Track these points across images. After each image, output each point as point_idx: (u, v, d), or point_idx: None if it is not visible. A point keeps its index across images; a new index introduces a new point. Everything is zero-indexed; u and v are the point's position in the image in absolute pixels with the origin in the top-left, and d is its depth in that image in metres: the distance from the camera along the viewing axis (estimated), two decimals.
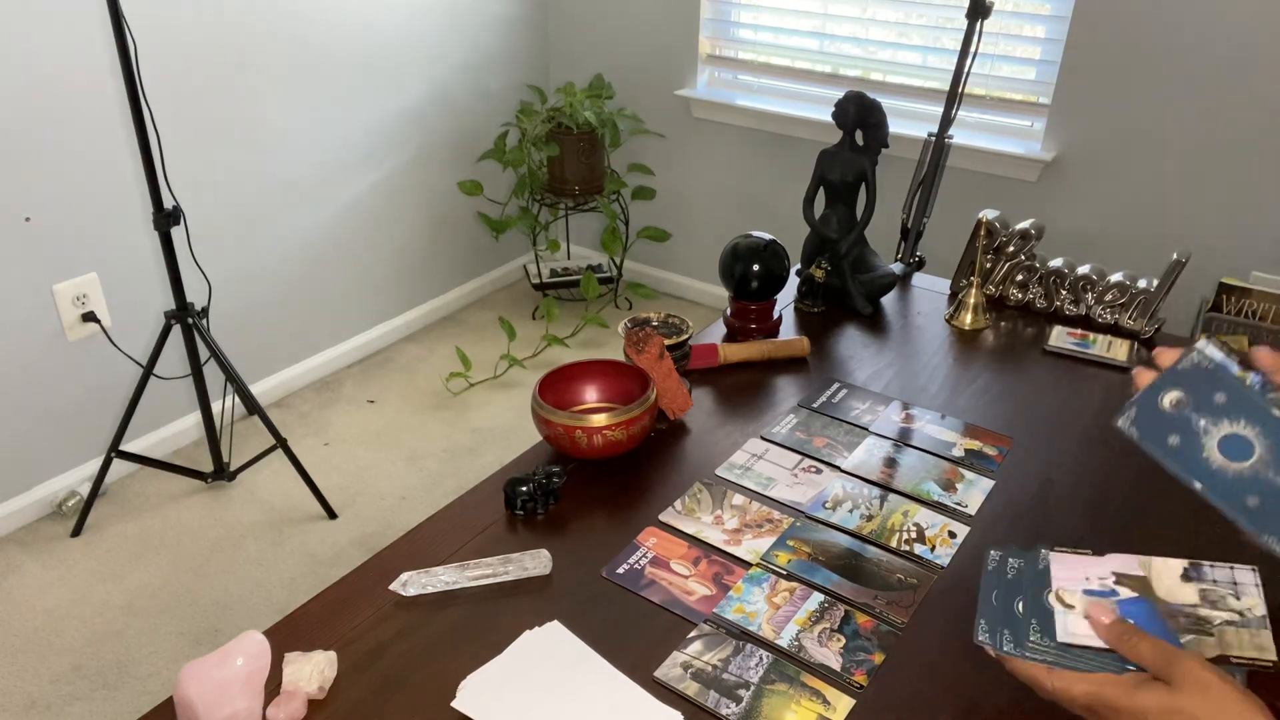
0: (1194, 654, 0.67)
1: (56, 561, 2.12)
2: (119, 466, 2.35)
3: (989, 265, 1.59)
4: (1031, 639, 0.71)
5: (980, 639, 0.74)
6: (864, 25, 2.71)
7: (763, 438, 1.23)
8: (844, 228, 1.54)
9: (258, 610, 2.00)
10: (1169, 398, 0.74)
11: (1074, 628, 0.71)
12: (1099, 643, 0.70)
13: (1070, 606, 0.73)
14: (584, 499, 1.11)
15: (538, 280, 3.28)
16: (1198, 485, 0.72)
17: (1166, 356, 0.76)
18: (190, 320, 2.06)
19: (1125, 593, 0.73)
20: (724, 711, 0.83)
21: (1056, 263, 1.56)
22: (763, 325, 1.46)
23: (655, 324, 1.34)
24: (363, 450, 2.53)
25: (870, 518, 1.08)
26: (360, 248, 2.86)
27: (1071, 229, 2.55)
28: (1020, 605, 0.74)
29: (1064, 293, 1.55)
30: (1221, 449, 0.71)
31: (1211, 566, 0.74)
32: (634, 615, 0.94)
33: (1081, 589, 0.74)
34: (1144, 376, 0.76)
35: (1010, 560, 0.79)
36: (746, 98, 2.96)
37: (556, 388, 1.22)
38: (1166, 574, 0.74)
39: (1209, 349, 0.73)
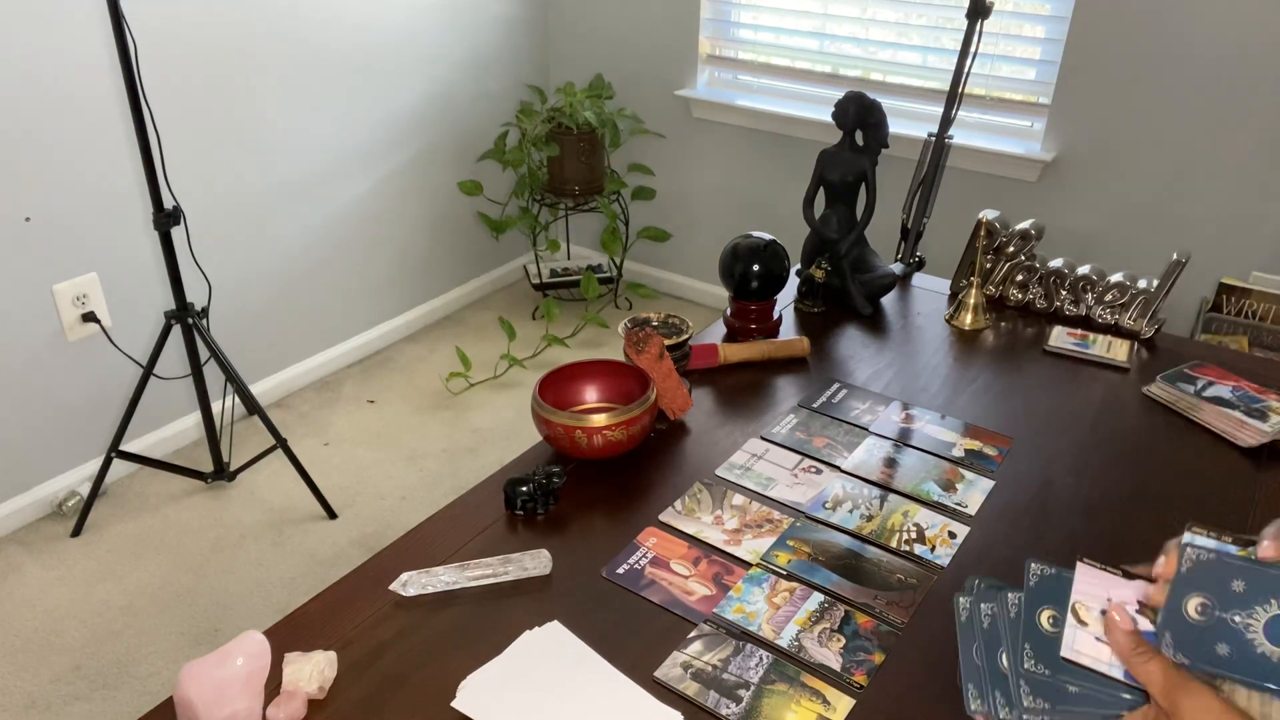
0: (1205, 682, 0.63)
1: (56, 561, 2.12)
2: (119, 466, 2.35)
3: (989, 265, 1.59)
4: (1026, 703, 0.68)
5: (972, 709, 0.70)
6: (864, 25, 2.71)
7: (763, 438, 1.23)
8: (844, 228, 1.55)
9: (258, 610, 2.00)
10: (1192, 605, 0.66)
11: (1081, 646, 0.69)
12: (1103, 666, 0.66)
13: (1084, 624, 0.70)
14: (584, 499, 1.11)
15: (538, 280, 3.28)
16: (1271, 686, 0.63)
17: (1165, 568, 0.68)
18: (190, 320, 2.06)
19: (1145, 624, 0.69)
20: (724, 711, 0.83)
21: (1056, 263, 1.56)
22: (763, 325, 1.46)
23: (655, 324, 1.34)
24: (363, 450, 2.53)
25: (870, 518, 1.08)
26: (360, 248, 2.86)
27: (1071, 229, 2.55)
28: (1004, 659, 0.71)
29: (1064, 293, 1.55)
30: (1271, 637, 0.64)
31: None
32: (634, 615, 0.94)
33: (1100, 608, 0.71)
34: (1157, 595, 0.69)
35: (983, 606, 0.75)
36: (746, 98, 2.96)
37: (556, 388, 1.22)
38: None
39: (1198, 540, 0.67)
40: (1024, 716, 0.68)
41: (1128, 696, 0.66)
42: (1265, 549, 0.65)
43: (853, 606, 0.95)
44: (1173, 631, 0.66)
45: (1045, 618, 0.71)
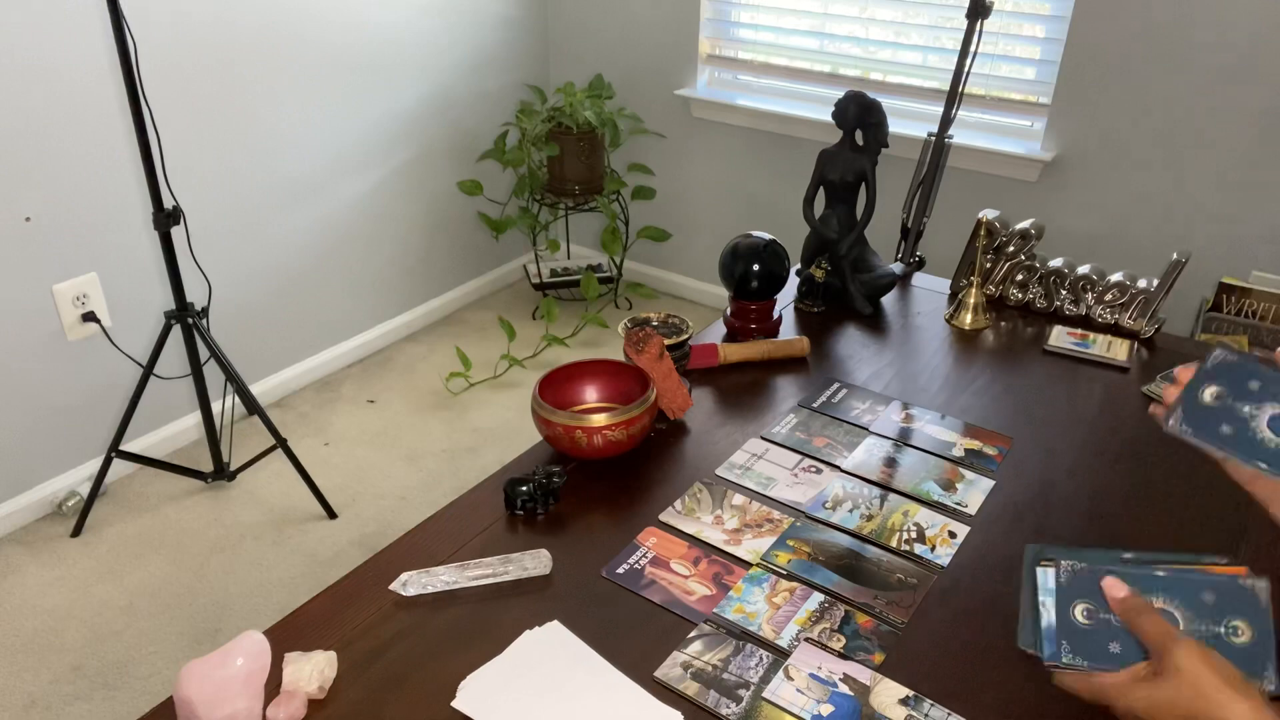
0: (1191, 642, 0.68)
1: (56, 561, 2.12)
2: (119, 466, 2.35)
3: (989, 265, 1.59)
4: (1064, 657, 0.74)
5: (1049, 659, 0.75)
6: (864, 25, 2.71)
7: (763, 438, 1.23)
8: (844, 228, 1.54)
9: (258, 610, 2.00)
10: (1209, 393, 0.79)
11: (783, 691, 0.85)
12: None
13: (791, 679, 0.86)
14: (584, 499, 1.11)
15: (538, 280, 3.28)
16: (1262, 465, 0.76)
17: (1183, 373, 0.81)
18: (190, 320, 2.06)
19: (844, 689, 0.85)
20: (724, 711, 0.83)
21: (1056, 263, 1.56)
22: (763, 325, 1.46)
23: (655, 324, 1.34)
24: (363, 450, 2.53)
25: (870, 518, 1.08)
26: (360, 247, 2.86)
27: (1071, 229, 2.55)
28: (1077, 611, 0.75)
29: (1064, 293, 1.55)
30: (1272, 428, 0.76)
31: (931, 705, 0.82)
32: (634, 615, 0.94)
33: (809, 673, 0.86)
34: (1170, 392, 0.81)
35: (1064, 563, 0.78)
36: (746, 98, 2.96)
37: (556, 388, 1.22)
38: (885, 693, 0.84)
39: (1225, 349, 0.79)
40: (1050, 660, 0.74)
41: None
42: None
43: (853, 606, 0.95)
44: (1186, 409, 0.79)
45: (1209, 394, 0.80)
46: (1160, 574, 0.74)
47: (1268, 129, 2.21)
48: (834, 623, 0.93)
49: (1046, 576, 0.76)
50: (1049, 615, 0.75)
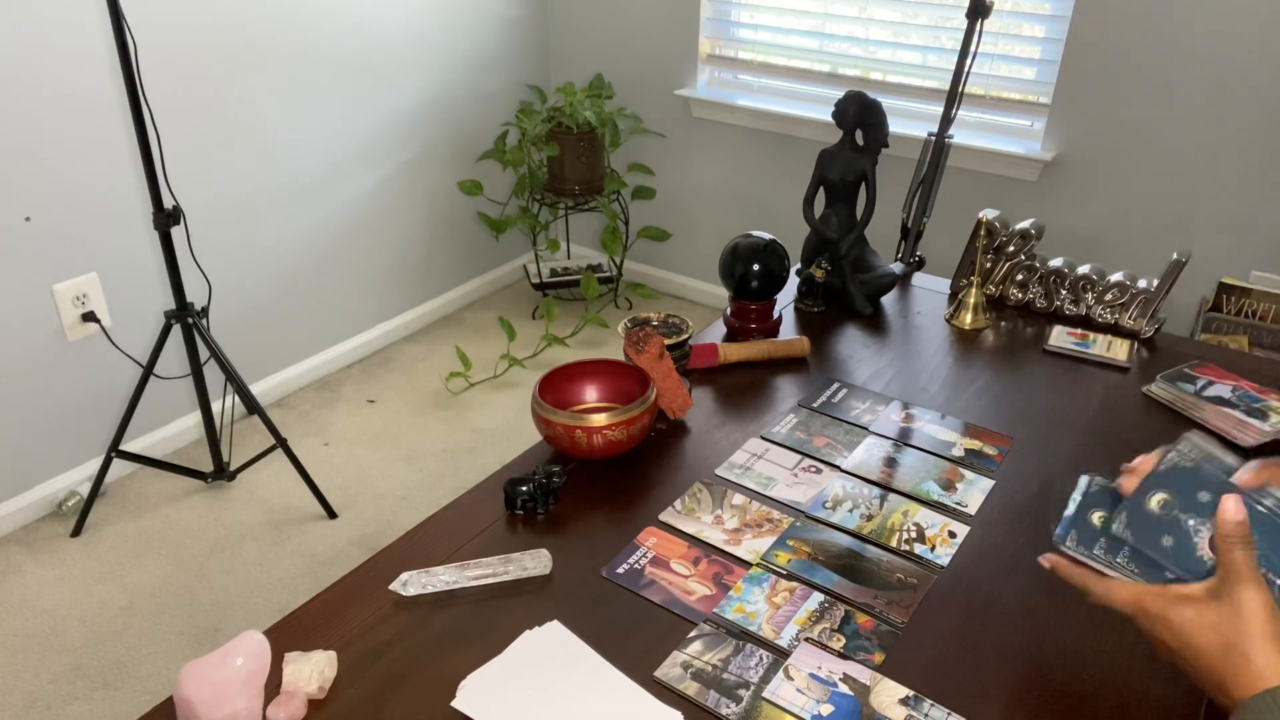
0: (1265, 588, 0.69)
1: (56, 561, 2.12)
2: (119, 466, 2.35)
3: (989, 265, 1.59)
4: (1095, 552, 0.80)
5: (1057, 538, 0.82)
6: (863, 25, 2.71)
7: (763, 437, 1.23)
8: (844, 228, 1.54)
9: (258, 610, 2.00)
10: (1155, 499, 0.78)
11: (783, 691, 0.84)
12: None
13: (791, 679, 0.86)
14: (584, 499, 1.11)
15: (538, 280, 3.28)
16: (1170, 576, 0.76)
17: (1142, 464, 0.80)
18: (190, 320, 2.06)
19: (844, 689, 0.85)
20: (724, 711, 0.83)
21: (1056, 263, 1.56)
22: (763, 325, 1.46)
23: (655, 324, 1.34)
24: (363, 450, 2.53)
25: (870, 518, 1.08)
26: (360, 248, 2.86)
27: (1071, 229, 2.55)
28: (1096, 517, 0.82)
29: (1064, 293, 1.55)
30: (1213, 546, 0.73)
31: (931, 705, 0.83)
32: (634, 615, 0.94)
33: (809, 673, 0.86)
34: (1129, 482, 0.80)
35: (1097, 480, 0.85)
36: (746, 97, 2.96)
37: (556, 387, 1.22)
38: (885, 693, 0.85)
39: (1183, 445, 0.78)
40: (1082, 557, 0.81)
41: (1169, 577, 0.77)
42: (1243, 477, 0.76)
43: (853, 606, 0.95)
44: (1130, 514, 0.78)
45: (1155, 501, 0.78)
46: (1263, 509, 0.74)
47: (1268, 129, 2.21)
48: (834, 623, 0.93)
49: (1082, 482, 0.85)
50: (1072, 509, 0.83)
